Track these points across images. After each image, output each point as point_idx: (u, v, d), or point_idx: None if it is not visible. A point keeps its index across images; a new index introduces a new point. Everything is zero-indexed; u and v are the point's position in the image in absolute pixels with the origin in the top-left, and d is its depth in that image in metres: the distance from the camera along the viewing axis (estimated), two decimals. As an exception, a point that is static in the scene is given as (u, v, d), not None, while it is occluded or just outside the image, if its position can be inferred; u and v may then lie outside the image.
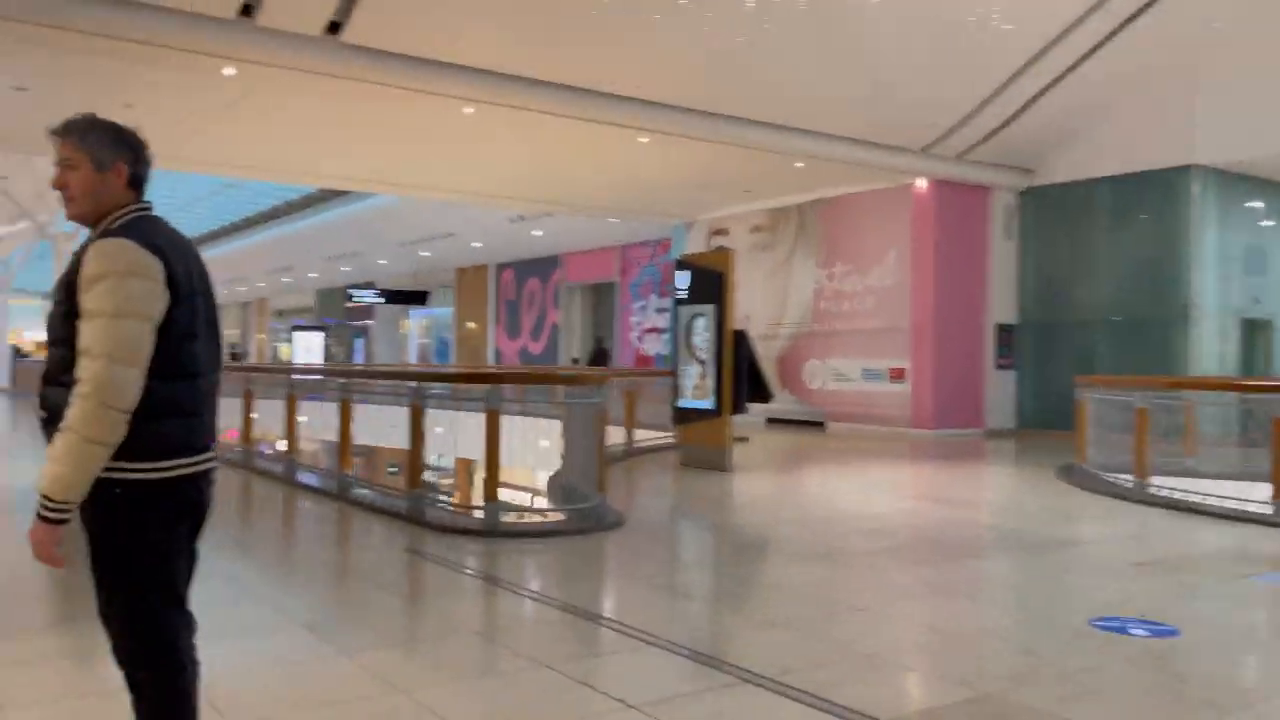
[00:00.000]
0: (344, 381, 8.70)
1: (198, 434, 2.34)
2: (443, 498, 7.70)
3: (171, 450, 2.25)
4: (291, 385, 9.88)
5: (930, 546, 6.49)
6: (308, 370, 11.44)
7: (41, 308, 22.46)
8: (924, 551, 6.33)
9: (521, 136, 13.57)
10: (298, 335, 32.08)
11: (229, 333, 51.98)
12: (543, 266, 27.78)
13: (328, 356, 32.48)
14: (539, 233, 24.81)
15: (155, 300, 2.21)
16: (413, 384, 7.40)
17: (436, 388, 7.39)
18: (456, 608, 4.93)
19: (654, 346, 23.83)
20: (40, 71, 10.99)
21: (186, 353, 2.29)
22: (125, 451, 2.17)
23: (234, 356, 38.70)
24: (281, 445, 10.34)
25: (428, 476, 7.37)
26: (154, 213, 2.40)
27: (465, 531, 6.55)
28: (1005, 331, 16.01)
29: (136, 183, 2.38)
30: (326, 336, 32.76)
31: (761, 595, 5.19)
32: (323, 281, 37.91)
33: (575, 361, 25.95)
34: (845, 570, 5.72)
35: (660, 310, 23.15)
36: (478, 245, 27.93)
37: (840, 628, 4.43)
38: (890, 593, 5.19)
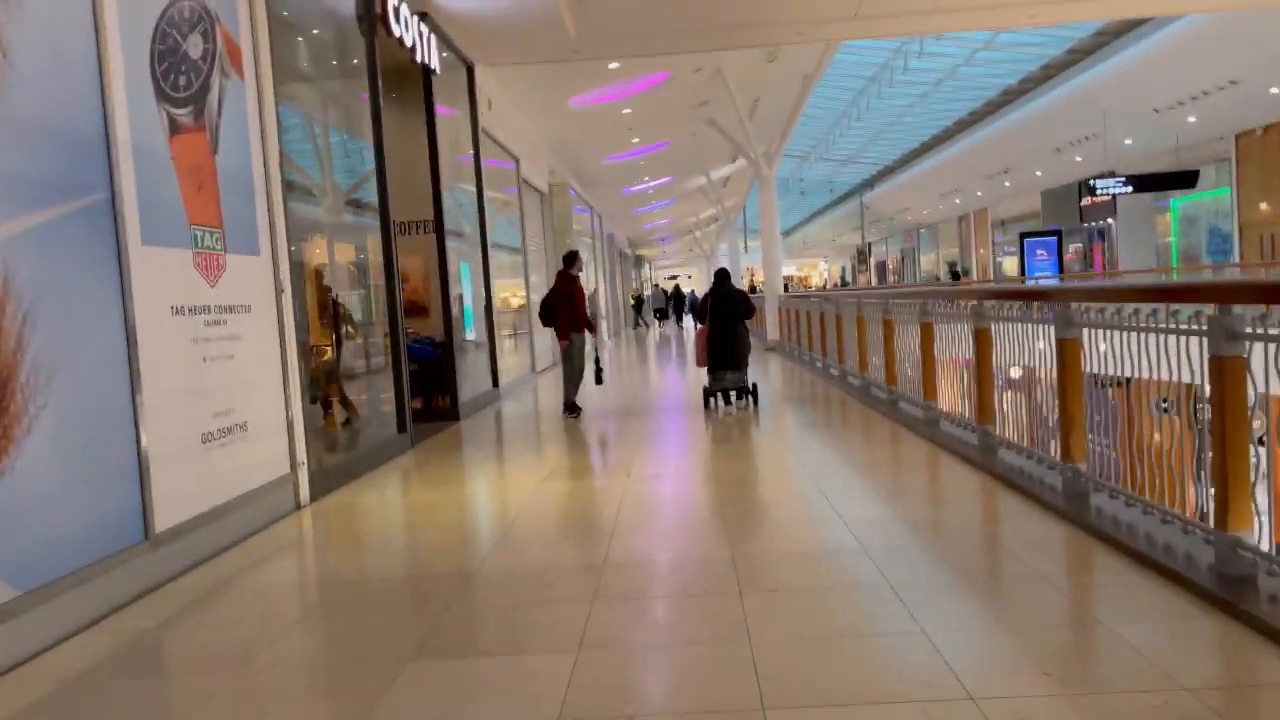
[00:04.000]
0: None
1: None
2: None
3: None
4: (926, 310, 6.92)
5: None
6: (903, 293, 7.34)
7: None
8: None
9: None
10: (1029, 243, 26.93)
11: (948, 251, 48.89)
12: (1396, 104, 18.40)
13: (1061, 268, 26.79)
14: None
15: None
16: None
17: None
18: None
19: None
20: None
21: None
22: None
23: (954, 275, 35.13)
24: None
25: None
26: None
27: None
28: None
29: None
30: (1061, 243, 27.02)
31: None
32: (1049, 180, 32.09)
33: None
34: None
35: None
36: (1277, 91, 19.70)
37: None
38: None
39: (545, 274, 18.92)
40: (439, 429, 9.72)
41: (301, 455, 6.12)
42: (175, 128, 4.88)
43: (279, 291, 5.97)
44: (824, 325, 13.04)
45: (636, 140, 20.79)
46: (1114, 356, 4.41)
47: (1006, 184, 34.88)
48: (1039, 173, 31.71)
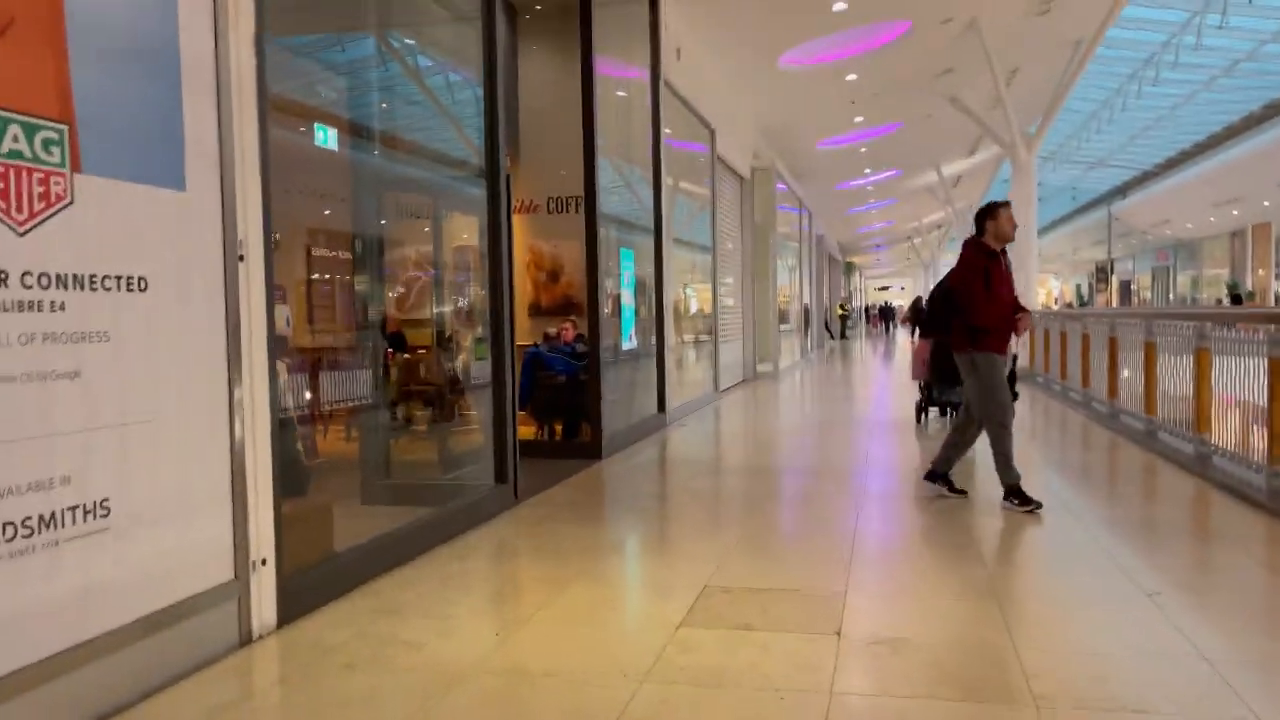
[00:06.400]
0: None
1: None
2: None
3: None
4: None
5: None
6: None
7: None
8: None
9: None
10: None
11: (1211, 271, 42.07)
12: None
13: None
14: None
15: None
16: None
17: None
18: None
19: None
20: None
21: None
22: None
23: (1235, 299, 29.45)
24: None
25: None
26: None
27: None
28: None
29: None
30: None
31: None
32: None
33: None
34: None
35: None
36: None
37: None
38: None
39: (739, 276, 15.98)
40: (569, 473, 7.00)
41: (264, 548, 3.50)
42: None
43: (232, 258, 3.37)
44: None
45: (860, 120, 17.50)
46: None
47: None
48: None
